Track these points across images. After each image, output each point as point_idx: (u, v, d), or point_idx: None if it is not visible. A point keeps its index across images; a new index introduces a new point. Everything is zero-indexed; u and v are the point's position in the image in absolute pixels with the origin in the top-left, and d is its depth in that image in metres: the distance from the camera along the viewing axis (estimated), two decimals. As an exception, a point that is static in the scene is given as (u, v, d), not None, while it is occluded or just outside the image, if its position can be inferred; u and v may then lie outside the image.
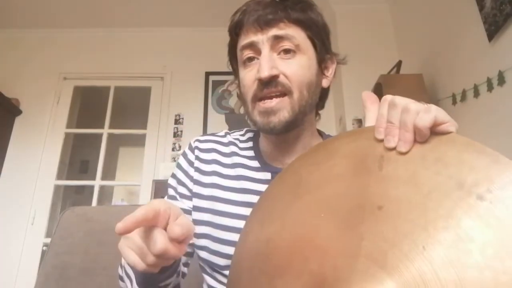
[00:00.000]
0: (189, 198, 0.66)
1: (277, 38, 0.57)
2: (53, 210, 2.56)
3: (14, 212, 2.47)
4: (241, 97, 0.64)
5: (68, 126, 2.77)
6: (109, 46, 2.95)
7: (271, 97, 0.57)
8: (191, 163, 0.68)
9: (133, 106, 3.04)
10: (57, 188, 2.63)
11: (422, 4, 2.18)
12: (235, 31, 0.62)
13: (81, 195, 3.67)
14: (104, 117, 2.79)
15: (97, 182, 2.65)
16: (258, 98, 0.58)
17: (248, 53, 0.59)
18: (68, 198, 3.35)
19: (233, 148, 0.69)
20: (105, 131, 2.77)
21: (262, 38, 0.58)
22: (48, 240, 1.14)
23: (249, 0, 0.62)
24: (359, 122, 2.35)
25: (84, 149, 3.53)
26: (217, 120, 2.69)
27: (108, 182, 3.30)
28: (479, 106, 1.61)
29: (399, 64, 2.11)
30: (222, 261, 0.60)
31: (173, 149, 2.66)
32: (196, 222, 0.64)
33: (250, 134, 0.73)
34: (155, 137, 2.72)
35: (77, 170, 3.88)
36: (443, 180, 0.32)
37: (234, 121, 2.22)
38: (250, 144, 0.70)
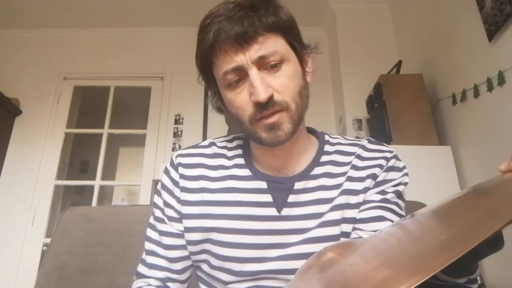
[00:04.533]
0: (178, 220, 0.64)
1: (262, 58, 0.55)
2: (53, 210, 2.56)
3: (14, 212, 2.47)
4: (230, 115, 0.62)
5: (68, 126, 2.77)
6: (109, 46, 2.95)
7: (270, 114, 0.56)
8: (175, 183, 0.65)
9: (133, 106, 3.03)
10: (57, 188, 2.63)
11: (422, 4, 2.18)
12: (211, 52, 0.57)
13: (81, 195, 3.68)
14: (104, 117, 2.79)
15: (97, 182, 2.65)
16: (257, 118, 0.56)
17: (233, 77, 0.56)
18: (68, 198, 3.35)
19: (220, 160, 0.66)
20: (105, 131, 2.77)
21: (245, 60, 0.54)
22: (48, 240, 1.14)
23: (214, 14, 0.56)
24: (359, 122, 2.35)
25: (84, 149, 3.53)
26: (217, 120, 2.69)
27: (108, 182, 3.29)
28: (479, 106, 1.61)
29: (399, 64, 2.11)
30: (227, 277, 0.59)
31: (173, 149, 2.66)
32: (192, 242, 0.62)
33: (239, 141, 0.70)
34: (155, 137, 2.72)
35: (77, 170, 3.88)
36: None
37: (235, 122, 2.22)
38: (239, 151, 0.68)
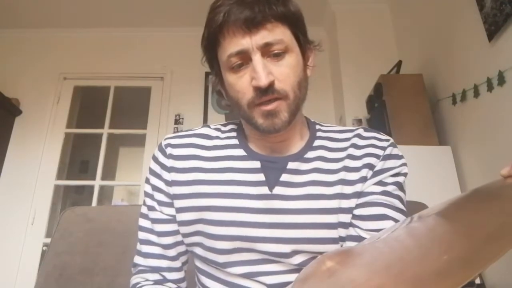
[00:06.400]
0: (168, 204, 0.64)
1: (268, 45, 0.56)
2: (53, 210, 2.56)
3: (14, 212, 2.47)
4: (229, 99, 0.63)
5: (68, 126, 2.77)
6: (109, 46, 2.95)
7: (269, 101, 0.57)
8: (163, 166, 0.65)
9: (133, 106, 3.03)
10: (57, 188, 2.63)
11: (422, 4, 2.18)
12: (219, 32, 0.57)
13: (81, 195, 3.68)
14: (104, 117, 2.79)
15: (97, 182, 2.65)
16: (256, 103, 0.57)
17: (237, 60, 0.57)
18: (68, 198, 3.35)
19: (214, 141, 0.67)
20: (105, 131, 2.77)
21: (251, 44, 0.55)
22: (48, 240, 1.14)
23: None
24: (359, 122, 2.35)
25: (84, 149, 3.53)
26: (217, 120, 2.69)
27: (108, 182, 3.29)
28: (479, 106, 1.61)
29: (399, 64, 2.11)
30: (220, 258, 0.59)
31: (173, 149, 2.65)
32: (184, 222, 0.62)
33: (232, 126, 0.71)
34: (155, 137, 2.72)
35: (77, 170, 3.88)
36: None
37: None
38: (233, 133, 0.69)
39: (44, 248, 2.39)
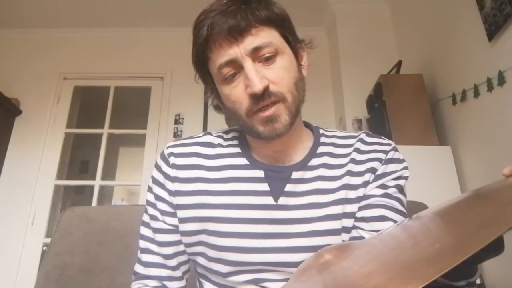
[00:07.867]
0: (171, 214, 0.63)
1: (256, 49, 0.55)
2: (53, 210, 2.56)
3: (14, 212, 2.47)
4: (227, 111, 0.62)
5: (68, 126, 2.77)
6: (109, 46, 2.95)
7: (267, 107, 0.56)
8: (167, 176, 0.64)
9: (133, 106, 3.03)
10: (57, 188, 2.62)
11: (422, 4, 2.18)
12: (206, 46, 0.57)
13: (81, 195, 3.68)
14: (104, 117, 2.79)
15: (97, 182, 2.65)
16: (254, 111, 0.56)
17: (229, 71, 0.56)
18: (68, 198, 3.35)
19: (217, 149, 0.66)
20: (105, 131, 2.77)
21: (240, 52, 0.55)
22: (48, 240, 1.14)
23: (207, 10, 0.57)
24: (359, 122, 2.35)
25: (84, 149, 3.53)
26: (217, 120, 2.69)
27: (108, 182, 3.29)
28: (479, 106, 1.61)
29: (399, 64, 2.11)
30: (225, 268, 0.58)
31: (173, 149, 2.65)
32: (187, 233, 0.61)
33: (234, 133, 0.70)
34: (155, 137, 2.72)
35: (77, 170, 3.88)
36: None
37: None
38: (235, 141, 0.68)
39: (44, 248, 2.39)
